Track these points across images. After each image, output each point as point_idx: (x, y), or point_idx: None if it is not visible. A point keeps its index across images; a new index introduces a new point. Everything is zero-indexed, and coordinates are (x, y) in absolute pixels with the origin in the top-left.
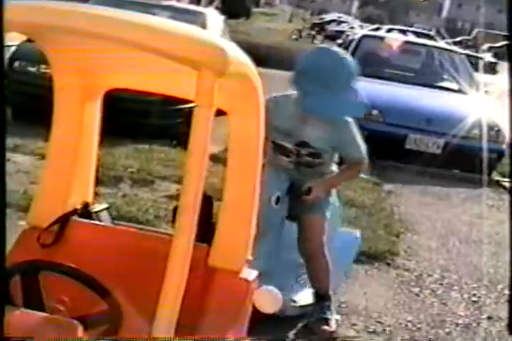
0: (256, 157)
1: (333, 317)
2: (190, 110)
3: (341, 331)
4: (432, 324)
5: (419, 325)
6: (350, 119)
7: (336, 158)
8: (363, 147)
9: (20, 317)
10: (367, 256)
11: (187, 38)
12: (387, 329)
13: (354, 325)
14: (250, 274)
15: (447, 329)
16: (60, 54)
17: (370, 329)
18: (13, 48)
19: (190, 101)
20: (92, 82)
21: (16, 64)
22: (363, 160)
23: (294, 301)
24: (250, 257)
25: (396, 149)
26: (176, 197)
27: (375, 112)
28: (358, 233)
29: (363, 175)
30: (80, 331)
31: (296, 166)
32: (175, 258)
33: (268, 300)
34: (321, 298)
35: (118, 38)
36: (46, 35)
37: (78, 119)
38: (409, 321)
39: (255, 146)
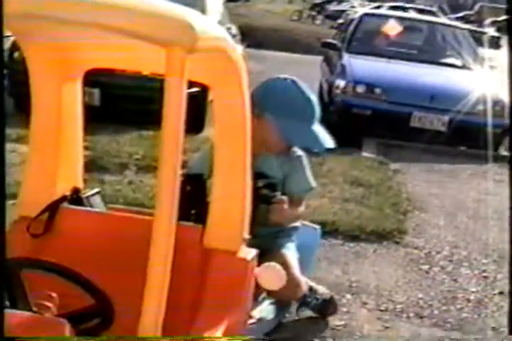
0: (244, 131)
1: (323, 290)
2: (190, 95)
3: (353, 310)
4: (443, 300)
5: (430, 302)
6: (302, 153)
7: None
8: (312, 184)
9: (5, 318)
10: (375, 235)
11: (150, 16)
12: (399, 307)
13: (365, 303)
14: (248, 253)
15: (459, 306)
16: (33, 38)
17: (382, 308)
18: (12, 38)
19: (192, 86)
20: (68, 64)
21: (16, 54)
22: (303, 199)
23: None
24: (247, 236)
25: (400, 127)
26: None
27: (377, 91)
28: (316, 226)
29: (368, 154)
30: (68, 329)
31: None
32: (156, 241)
33: (271, 276)
34: (304, 299)
35: (80, 20)
36: (15, 21)
37: (57, 103)
38: (420, 298)
39: (242, 120)
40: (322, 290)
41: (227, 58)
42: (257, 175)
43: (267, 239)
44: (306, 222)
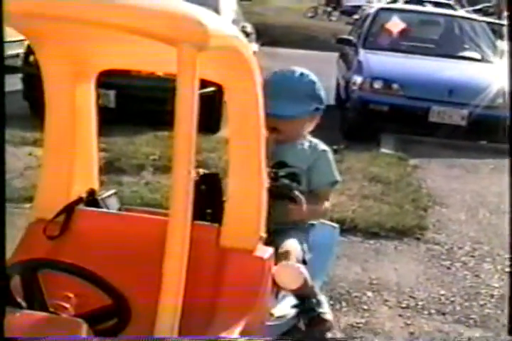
0: (258, 129)
1: (326, 309)
2: (206, 95)
3: (374, 308)
4: (465, 296)
5: (452, 298)
6: (327, 148)
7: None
8: (337, 177)
9: (21, 319)
10: (395, 232)
11: (160, 14)
12: (420, 303)
13: (386, 301)
14: (265, 252)
15: (481, 302)
16: (44, 39)
17: (403, 305)
18: (27, 42)
19: (205, 86)
20: (81, 66)
21: (31, 58)
22: (327, 194)
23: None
24: (263, 234)
25: (419, 123)
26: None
27: (395, 86)
28: (335, 224)
29: (386, 150)
30: (85, 329)
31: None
32: (172, 241)
33: (290, 275)
34: (305, 298)
35: (89, 19)
36: (25, 22)
37: (71, 105)
38: (442, 295)
39: (255, 119)
40: (326, 308)
41: (240, 56)
42: (279, 164)
43: (280, 234)
44: (325, 220)
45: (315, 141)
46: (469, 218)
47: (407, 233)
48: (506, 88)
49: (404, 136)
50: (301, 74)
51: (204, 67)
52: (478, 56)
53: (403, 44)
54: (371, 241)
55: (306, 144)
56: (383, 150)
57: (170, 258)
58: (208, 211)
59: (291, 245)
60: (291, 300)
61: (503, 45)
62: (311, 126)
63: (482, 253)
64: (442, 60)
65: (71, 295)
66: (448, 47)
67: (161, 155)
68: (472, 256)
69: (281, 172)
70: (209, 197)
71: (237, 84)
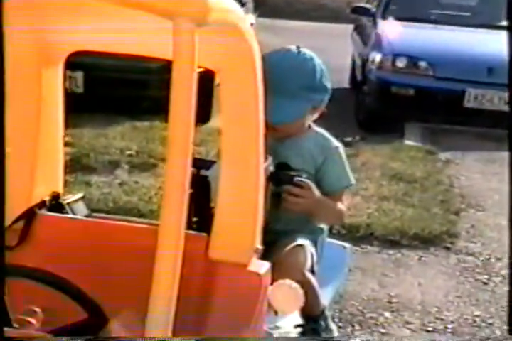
0: (256, 120)
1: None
2: (197, 77)
3: (392, 331)
4: (505, 318)
5: (489, 321)
6: (339, 144)
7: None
8: (351, 180)
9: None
10: (420, 240)
11: None
12: (450, 326)
13: (408, 323)
14: (261, 266)
15: None
16: (6, 11)
17: (429, 328)
18: None
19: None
20: (49, 45)
21: None
22: (342, 196)
23: (278, 327)
24: (259, 246)
25: (452, 108)
26: None
27: (423, 64)
28: (346, 244)
29: (411, 142)
30: None
31: (274, 201)
32: (163, 250)
33: (286, 296)
34: (313, 319)
35: None
36: None
37: (35, 93)
38: (477, 316)
39: (253, 108)
40: (335, 334)
41: (239, 34)
42: (280, 166)
43: (286, 234)
44: (333, 240)
45: (322, 134)
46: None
47: (435, 241)
48: None
49: (433, 125)
50: (298, 56)
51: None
52: None
53: (432, 13)
54: (390, 251)
55: (312, 141)
56: (407, 142)
57: (161, 272)
58: (195, 218)
59: (304, 241)
60: (295, 319)
61: None
62: (314, 116)
63: None
64: (480, 31)
65: (37, 309)
66: (487, 15)
67: (138, 151)
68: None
69: (284, 176)
70: (196, 201)
71: (233, 67)
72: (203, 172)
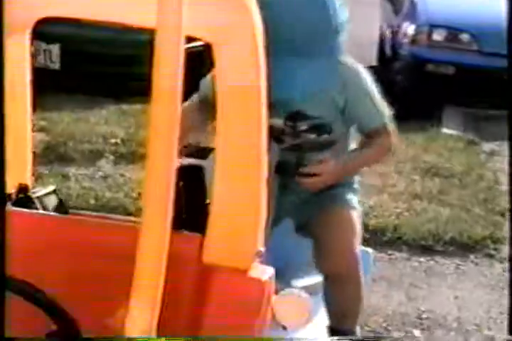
0: (257, 104)
1: None
2: (191, 53)
3: None
4: None
5: None
6: (360, 69)
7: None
8: (385, 110)
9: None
10: (458, 246)
11: None
12: None
13: None
14: (263, 272)
15: None
16: None
17: None
18: None
19: (190, 40)
20: (13, 11)
21: None
22: (387, 130)
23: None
24: (261, 248)
25: (499, 90)
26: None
27: (464, 37)
28: (369, 249)
29: (450, 131)
30: None
31: (297, 154)
32: (145, 249)
33: (294, 308)
34: (341, 334)
35: None
36: None
37: None
38: None
39: (254, 89)
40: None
41: (238, 4)
42: (295, 115)
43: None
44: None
45: (339, 63)
46: None
47: (475, 247)
48: None
49: (476, 110)
50: None
51: (187, 18)
52: None
53: None
54: (422, 259)
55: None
56: (445, 129)
57: (143, 275)
58: (188, 216)
59: (351, 198)
60: (318, 331)
61: None
62: None
63: None
64: None
65: None
66: None
67: (125, 138)
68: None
69: (302, 126)
70: (188, 196)
71: (231, 40)
72: (198, 161)
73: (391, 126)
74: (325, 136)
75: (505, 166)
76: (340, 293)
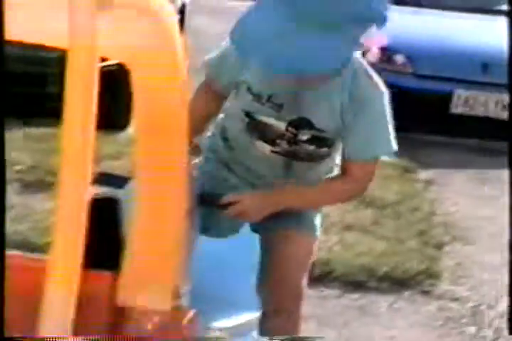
0: (179, 130)
1: None
2: (107, 72)
3: None
4: None
5: None
6: (385, 90)
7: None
8: (392, 143)
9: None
10: (392, 282)
11: None
12: None
13: None
14: (185, 314)
15: None
16: None
17: None
18: None
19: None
20: None
21: None
22: (371, 167)
23: None
24: (185, 287)
25: (436, 114)
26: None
27: (400, 59)
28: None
29: (384, 158)
30: None
31: (286, 160)
32: (53, 291)
33: None
34: None
35: None
36: None
37: None
38: None
39: (176, 115)
40: None
41: (156, 21)
42: (299, 122)
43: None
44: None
45: (364, 74)
46: (506, 261)
47: (410, 283)
48: None
49: (412, 135)
50: None
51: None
52: None
53: None
54: (354, 296)
55: (347, 86)
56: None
57: (49, 317)
58: (101, 252)
59: (310, 223)
60: None
61: None
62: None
63: None
64: (472, 17)
65: None
66: None
67: (32, 165)
68: (510, 319)
69: (304, 136)
70: (103, 231)
71: (150, 62)
72: (114, 192)
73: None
74: (324, 150)
75: (442, 195)
76: (279, 328)
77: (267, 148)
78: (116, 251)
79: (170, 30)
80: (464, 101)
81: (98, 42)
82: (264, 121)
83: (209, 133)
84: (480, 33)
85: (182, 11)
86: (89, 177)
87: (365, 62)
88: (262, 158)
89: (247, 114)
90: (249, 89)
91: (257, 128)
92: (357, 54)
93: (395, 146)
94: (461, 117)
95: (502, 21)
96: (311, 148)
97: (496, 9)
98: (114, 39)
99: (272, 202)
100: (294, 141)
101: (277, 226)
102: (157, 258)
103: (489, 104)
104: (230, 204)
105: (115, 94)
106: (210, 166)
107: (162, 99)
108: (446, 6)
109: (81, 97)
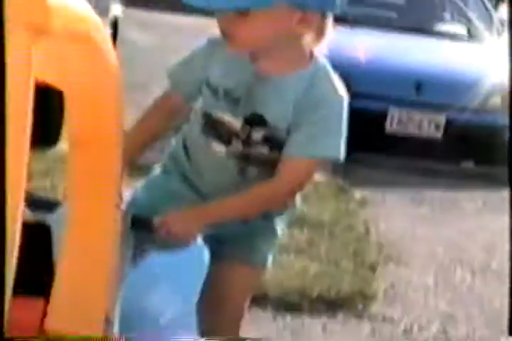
0: (112, 156)
1: None
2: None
3: None
4: None
5: None
6: (345, 95)
7: None
8: (340, 149)
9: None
10: (326, 303)
11: None
12: None
13: None
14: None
15: None
16: None
17: None
18: None
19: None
20: None
21: None
22: (305, 168)
23: None
24: (113, 315)
25: (371, 134)
26: None
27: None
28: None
29: (317, 177)
30: None
31: (241, 165)
32: None
33: None
34: None
35: None
36: None
37: None
38: None
39: (109, 139)
40: None
41: (91, 47)
42: (253, 118)
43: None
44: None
45: (325, 75)
46: (440, 282)
47: (344, 305)
48: (506, 81)
49: (345, 155)
50: None
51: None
52: (463, 31)
53: (348, 10)
54: (288, 318)
55: (306, 82)
56: (314, 176)
57: None
58: (30, 278)
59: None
60: None
61: (501, 14)
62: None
63: (458, 335)
64: (409, 36)
65: None
66: (418, 17)
67: None
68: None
69: (256, 134)
70: (31, 257)
71: (81, 86)
72: (42, 216)
73: (315, 166)
74: (275, 153)
75: (377, 215)
76: None
77: (222, 148)
78: (47, 277)
79: (105, 55)
80: (398, 121)
81: (33, 65)
82: (220, 118)
83: (173, 142)
84: (416, 53)
85: (115, 24)
86: (22, 200)
87: (329, 66)
88: (216, 163)
89: (205, 114)
90: (208, 84)
91: (213, 128)
92: (322, 58)
93: (341, 154)
94: (395, 137)
95: (440, 42)
96: (264, 150)
97: (434, 30)
98: (50, 62)
99: (194, 216)
100: (247, 141)
101: (228, 256)
102: (87, 285)
103: (423, 124)
104: (160, 226)
105: (45, 110)
106: (166, 177)
107: (96, 117)
108: (383, 24)
109: (15, 116)
